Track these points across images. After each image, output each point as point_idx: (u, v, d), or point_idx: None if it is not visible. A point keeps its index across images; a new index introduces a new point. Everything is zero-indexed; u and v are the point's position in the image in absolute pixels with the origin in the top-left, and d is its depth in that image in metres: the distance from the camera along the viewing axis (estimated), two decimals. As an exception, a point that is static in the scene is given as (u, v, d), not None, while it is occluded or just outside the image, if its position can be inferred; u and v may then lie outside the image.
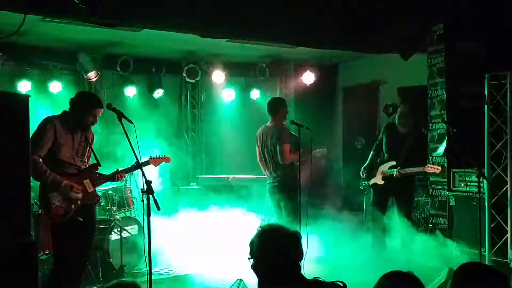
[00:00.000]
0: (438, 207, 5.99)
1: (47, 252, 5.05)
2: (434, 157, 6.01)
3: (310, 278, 2.15)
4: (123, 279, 2.40)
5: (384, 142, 5.55)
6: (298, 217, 4.74)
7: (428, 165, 5.30)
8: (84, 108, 3.97)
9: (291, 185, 5.00)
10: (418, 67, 6.32)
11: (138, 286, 2.21)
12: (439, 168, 5.23)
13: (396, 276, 2.08)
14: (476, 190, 4.98)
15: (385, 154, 5.51)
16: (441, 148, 5.92)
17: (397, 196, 5.45)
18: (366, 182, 5.56)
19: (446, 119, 5.62)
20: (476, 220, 4.88)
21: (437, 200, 6.02)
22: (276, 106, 5.32)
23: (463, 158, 4.90)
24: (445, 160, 5.84)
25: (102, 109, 4.02)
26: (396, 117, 5.46)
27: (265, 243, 2.15)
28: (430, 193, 6.14)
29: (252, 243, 2.18)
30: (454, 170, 5.73)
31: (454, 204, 5.71)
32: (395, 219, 5.43)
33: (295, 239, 2.14)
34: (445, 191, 5.85)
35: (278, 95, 8.57)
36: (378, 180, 5.41)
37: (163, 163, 4.53)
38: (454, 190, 5.72)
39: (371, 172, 5.53)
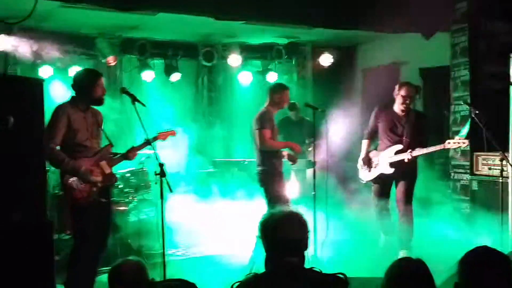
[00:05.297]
0: (460, 192, 5.87)
1: (69, 233, 5.16)
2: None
3: (307, 268, 2.13)
4: (129, 257, 2.49)
5: (380, 127, 5.14)
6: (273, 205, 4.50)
7: (448, 141, 5.00)
8: (90, 82, 4.01)
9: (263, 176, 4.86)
10: (441, 47, 6.13)
11: (143, 264, 2.26)
12: (465, 141, 4.86)
13: (404, 263, 2.07)
14: (499, 174, 4.84)
15: (383, 140, 5.11)
16: (464, 131, 5.77)
17: (404, 180, 5.07)
18: (368, 175, 5.15)
19: (469, 101, 5.45)
20: (499, 204, 4.76)
21: (459, 184, 5.89)
22: (269, 91, 5.05)
23: (486, 141, 4.75)
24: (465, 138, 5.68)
25: (103, 78, 4.11)
26: (398, 99, 5.02)
27: (260, 225, 2.18)
28: (452, 177, 6.02)
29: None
30: (477, 153, 5.59)
31: (476, 189, 5.58)
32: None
33: (282, 223, 2.12)
34: (468, 175, 5.72)
35: (295, 78, 8.49)
36: (385, 169, 5.02)
37: (170, 136, 4.45)
38: (476, 174, 5.58)
39: (371, 162, 5.17)
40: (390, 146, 5.07)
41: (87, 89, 3.99)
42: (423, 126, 5.06)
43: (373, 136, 5.30)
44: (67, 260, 4.01)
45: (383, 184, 5.16)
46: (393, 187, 5.24)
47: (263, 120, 4.84)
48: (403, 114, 5.07)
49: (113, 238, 4.95)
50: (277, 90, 5.03)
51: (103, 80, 4.09)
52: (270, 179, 4.83)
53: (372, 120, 5.27)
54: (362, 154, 5.26)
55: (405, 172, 5.04)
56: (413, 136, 4.98)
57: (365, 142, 5.28)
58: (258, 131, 4.81)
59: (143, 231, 5.31)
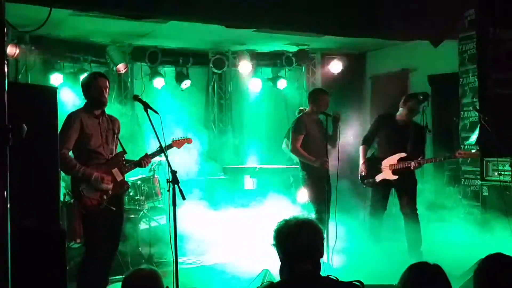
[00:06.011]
0: (470, 197, 5.85)
1: (79, 241, 5.19)
2: (466, 146, 5.86)
3: (324, 276, 2.11)
4: (142, 266, 2.44)
5: (381, 135, 5.17)
6: (316, 207, 4.94)
7: (459, 151, 5.04)
8: (88, 83, 4.04)
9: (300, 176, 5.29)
10: (449, 54, 6.13)
11: (157, 273, 2.24)
12: (476, 152, 5.01)
13: (422, 267, 2.04)
14: (510, 179, 4.83)
15: (384, 147, 5.13)
16: (473, 137, 5.77)
17: (405, 188, 5.10)
18: (370, 180, 5.14)
19: (478, 107, 5.45)
20: (510, 210, 4.74)
21: (469, 190, 5.87)
22: (309, 97, 5.44)
23: (496, 147, 4.74)
24: (478, 149, 5.68)
25: (105, 79, 4.06)
26: (405, 109, 5.03)
27: (275, 233, 2.17)
28: (462, 183, 5.99)
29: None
30: (487, 159, 5.57)
31: (487, 194, 5.56)
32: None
33: (297, 231, 2.10)
34: (478, 180, 5.70)
35: (305, 85, 8.52)
36: (387, 175, 5.02)
37: (186, 144, 4.53)
38: (487, 180, 5.57)
39: (373, 167, 5.13)
40: (391, 153, 5.09)
41: (85, 89, 4.03)
42: (422, 137, 5.10)
43: (369, 143, 5.31)
44: (77, 268, 4.02)
45: (382, 191, 5.18)
46: (395, 195, 5.30)
47: (297, 125, 5.20)
48: (405, 124, 5.11)
49: (123, 246, 4.98)
50: (315, 95, 5.34)
51: (103, 81, 4.02)
52: (311, 183, 5.15)
53: (373, 126, 5.33)
54: (362, 159, 5.26)
55: (405, 180, 5.05)
56: (414, 146, 5.04)
57: (362, 148, 5.28)
58: (292, 135, 5.18)
59: (154, 239, 5.31)
